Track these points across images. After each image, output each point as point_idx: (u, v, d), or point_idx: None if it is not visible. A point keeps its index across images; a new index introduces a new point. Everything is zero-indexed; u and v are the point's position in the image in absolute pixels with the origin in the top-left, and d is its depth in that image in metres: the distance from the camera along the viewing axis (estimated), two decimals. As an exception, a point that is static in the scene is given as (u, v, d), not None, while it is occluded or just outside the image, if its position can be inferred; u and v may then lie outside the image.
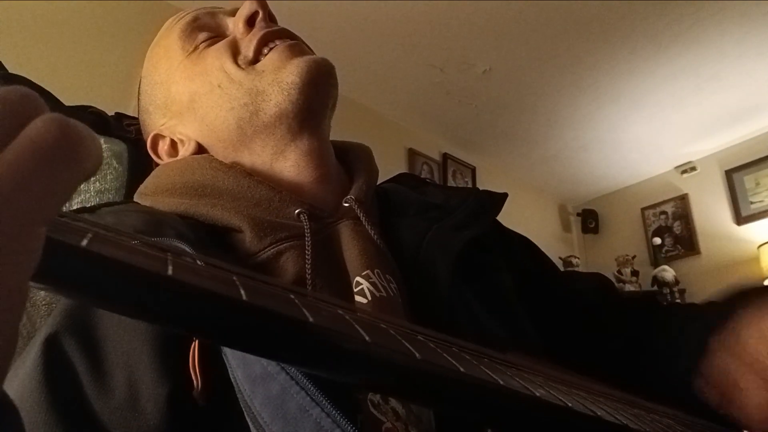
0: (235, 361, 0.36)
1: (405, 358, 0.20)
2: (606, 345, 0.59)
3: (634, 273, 3.61)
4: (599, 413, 0.30)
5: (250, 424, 0.34)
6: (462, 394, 0.23)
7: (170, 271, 0.15)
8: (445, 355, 0.23)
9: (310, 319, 0.18)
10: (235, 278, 0.18)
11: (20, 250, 0.15)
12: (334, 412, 0.33)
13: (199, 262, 0.20)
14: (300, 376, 0.34)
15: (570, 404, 0.28)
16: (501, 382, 0.24)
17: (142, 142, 0.65)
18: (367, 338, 0.19)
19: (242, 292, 0.17)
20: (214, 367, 0.37)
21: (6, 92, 0.17)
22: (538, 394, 0.26)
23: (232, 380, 0.36)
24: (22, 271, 0.16)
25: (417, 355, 0.21)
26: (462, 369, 0.23)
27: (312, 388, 0.34)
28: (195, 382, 0.36)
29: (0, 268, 0.15)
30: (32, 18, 1.91)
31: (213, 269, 0.18)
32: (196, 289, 0.15)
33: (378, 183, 0.64)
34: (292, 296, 0.19)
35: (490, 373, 0.25)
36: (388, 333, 0.22)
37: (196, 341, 0.38)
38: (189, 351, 0.37)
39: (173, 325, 0.17)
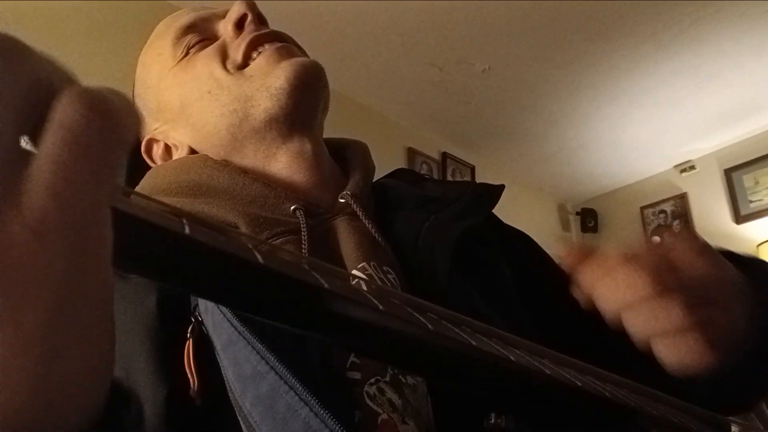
0: (226, 360, 0.36)
1: (418, 330, 0.20)
2: (605, 340, 0.59)
3: (634, 272, 3.60)
4: (608, 394, 0.30)
5: (241, 423, 0.34)
6: (473, 368, 0.23)
7: (187, 230, 0.15)
8: (456, 330, 0.23)
9: (325, 285, 0.18)
10: (249, 245, 0.18)
11: (95, 236, 0.16)
12: (322, 411, 0.33)
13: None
14: (289, 375, 0.34)
15: (579, 383, 0.28)
16: (512, 358, 0.24)
17: (140, 142, 0.65)
18: (381, 307, 0.19)
19: (257, 255, 0.17)
20: (209, 366, 0.37)
21: (15, 65, 0.16)
22: (548, 372, 0.26)
23: (225, 380, 0.36)
24: (106, 260, 0.16)
25: (429, 326, 0.21)
26: (474, 343, 0.23)
27: (300, 387, 0.34)
28: (191, 381, 0.36)
29: (88, 258, 0.16)
30: (32, 18, 1.90)
31: (227, 236, 0.18)
32: (213, 249, 0.15)
33: (375, 179, 0.64)
34: (305, 265, 0.19)
35: (501, 349, 0.25)
36: (400, 306, 0.22)
37: (191, 340, 0.38)
38: (184, 351, 0.37)
39: (185, 284, 0.17)
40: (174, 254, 0.15)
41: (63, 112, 0.16)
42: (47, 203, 0.15)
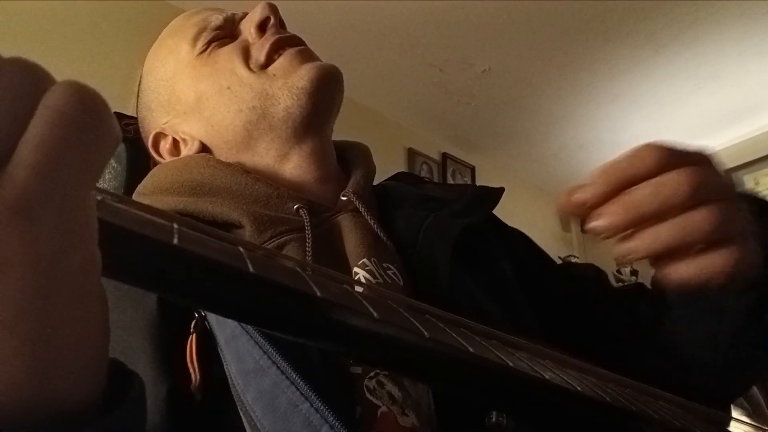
0: (229, 355, 0.37)
1: (413, 337, 0.20)
2: (603, 335, 0.59)
3: (634, 272, 3.60)
4: (608, 399, 0.30)
5: (243, 418, 0.35)
6: (470, 375, 0.23)
7: (176, 241, 0.15)
8: (454, 335, 0.23)
9: (318, 294, 0.17)
10: (241, 250, 0.17)
11: (80, 216, 0.16)
12: (322, 407, 0.33)
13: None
14: (291, 370, 0.35)
15: (579, 388, 0.28)
16: (510, 364, 0.24)
17: (140, 142, 0.65)
18: (375, 314, 0.19)
19: (249, 264, 0.16)
20: (211, 361, 0.37)
21: (10, 66, 0.16)
22: (547, 377, 0.26)
23: (227, 374, 0.36)
24: (93, 233, 0.17)
25: (426, 333, 0.20)
26: (471, 349, 0.22)
27: (302, 383, 0.34)
28: (193, 376, 0.36)
29: (72, 236, 0.16)
30: (32, 18, 1.90)
31: (219, 242, 0.18)
32: (203, 259, 0.15)
33: (377, 182, 0.65)
34: (300, 271, 0.19)
35: (499, 354, 0.24)
36: (396, 311, 0.21)
37: (193, 335, 0.38)
38: (186, 346, 0.37)
39: (180, 296, 0.17)
40: (163, 265, 0.15)
41: (52, 98, 0.16)
42: (31, 182, 0.15)
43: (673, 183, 0.35)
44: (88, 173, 0.16)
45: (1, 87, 0.16)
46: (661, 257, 0.38)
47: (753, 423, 0.42)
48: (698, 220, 0.35)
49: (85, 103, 0.16)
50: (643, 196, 0.36)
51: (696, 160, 0.37)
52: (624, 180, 0.36)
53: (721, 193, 0.37)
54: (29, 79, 0.16)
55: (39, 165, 0.15)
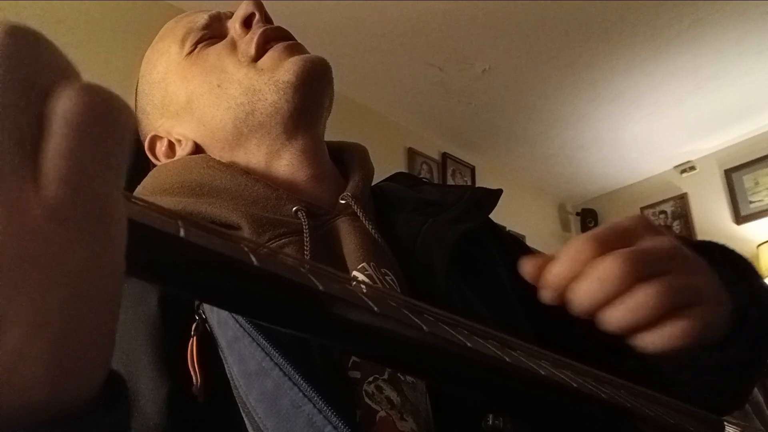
0: (231, 357, 0.37)
1: (413, 331, 0.20)
2: (596, 343, 0.60)
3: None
4: (604, 396, 0.30)
5: (245, 419, 0.35)
6: (468, 370, 0.23)
7: (182, 233, 0.15)
8: (452, 331, 0.23)
9: (320, 288, 0.18)
10: (244, 247, 0.18)
11: (112, 223, 0.17)
12: (325, 408, 0.33)
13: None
14: (293, 372, 0.35)
15: (575, 385, 0.28)
16: (507, 360, 0.24)
17: (140, 142, 0.65)
18: (375, 309, 0.19)
19: (252, 258, 0.17)
20: (212, 363, 0.37)
21: (10, 52, 0.16)
22: (543, 373, 0.26)
23: (229, 376, 0.36)
24: (122, 242, 0.17)
25: (425, 327, 0.21)
26: (469, 344, 0.23)
27: (304, 384, 0.34)
28: (194, 378, 0.36)
29: (102, 243, 0.16)
30: (33, 18, 1.90)
31: (222, 239, 0.18)
32: (208, 252, 0.15)
33: (375, 183, 0.65)
34: (301, 267, 0.19)
35: (496, 351, 0.25)
36: (396, 308, 0.22)
37: (194, 338, 0.38)
38: (187, 348, 0.37)
39: (185, 289, 0.17)
40: (169, 257, 0.16)
41: (68, 109, 0.16)
42: (63, 194, 0.16)
43: (606, 273, 0.37)
44: (116, 180, 0.17)
45: (4, 80, 0.16)
46: (624, 332, 0.39)
47: (746, 424, 0.43)
48: (637, 301, 0.37)
49: (101, 111, 0.16)
50: (587, 289, 0.38)
51: (632, 234, 0.40)
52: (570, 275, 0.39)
53: (659, 264, 0.38)
54: (30, 73, 0.16)
55: (71, 179, 0.16)
